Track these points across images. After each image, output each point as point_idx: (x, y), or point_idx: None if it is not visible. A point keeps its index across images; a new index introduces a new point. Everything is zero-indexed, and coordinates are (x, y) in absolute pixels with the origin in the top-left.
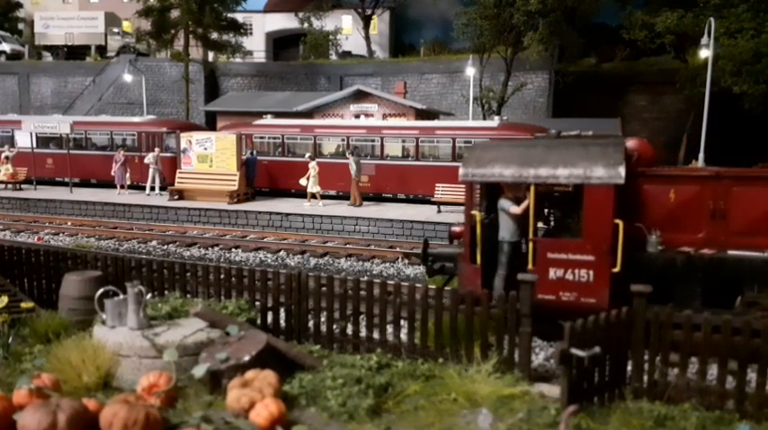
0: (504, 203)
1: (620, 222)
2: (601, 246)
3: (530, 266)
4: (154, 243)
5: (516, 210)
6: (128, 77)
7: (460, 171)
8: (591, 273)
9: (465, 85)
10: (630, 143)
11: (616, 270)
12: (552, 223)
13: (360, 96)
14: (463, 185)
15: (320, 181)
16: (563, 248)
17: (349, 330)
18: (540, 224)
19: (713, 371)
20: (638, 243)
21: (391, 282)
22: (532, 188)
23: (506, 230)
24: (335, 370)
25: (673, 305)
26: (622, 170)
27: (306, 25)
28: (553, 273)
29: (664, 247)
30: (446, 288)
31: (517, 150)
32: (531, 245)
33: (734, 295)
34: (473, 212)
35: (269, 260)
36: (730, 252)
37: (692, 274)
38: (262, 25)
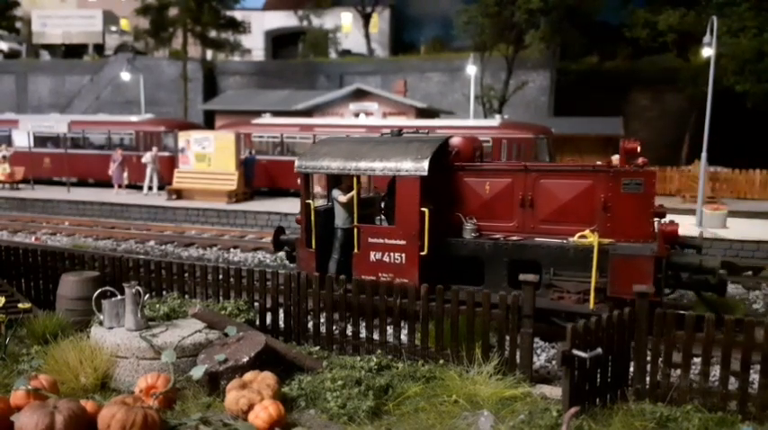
0: (335, 193)
1: (425, 210)
2: (410, 231)
3: (355, 250)
4: (152, 243)
5: (343, 198)
6: (126, 76)
7: (296, 163)
8: (403, 255)
9: (466, 83)
10: (453, 140)
11: (424, 253)
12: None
13: (359, 95)
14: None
15: None
16: (381, 234)
17: (349, 331)
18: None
19: (716, 372)
20: (455, 230)
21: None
22: (355, 179)
23: (339, 218)
24: (335, 371)
25: (483, 287)
26: (426, 164)
27: (305, 23)
28: (373, 256)
29: (478, 234)
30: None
31: (347, 146)
32: (355, 230)
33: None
34: (308, 201)
35: (268, 260)
36: (537, 239)
37: (499, 259)
38: (260, 23)
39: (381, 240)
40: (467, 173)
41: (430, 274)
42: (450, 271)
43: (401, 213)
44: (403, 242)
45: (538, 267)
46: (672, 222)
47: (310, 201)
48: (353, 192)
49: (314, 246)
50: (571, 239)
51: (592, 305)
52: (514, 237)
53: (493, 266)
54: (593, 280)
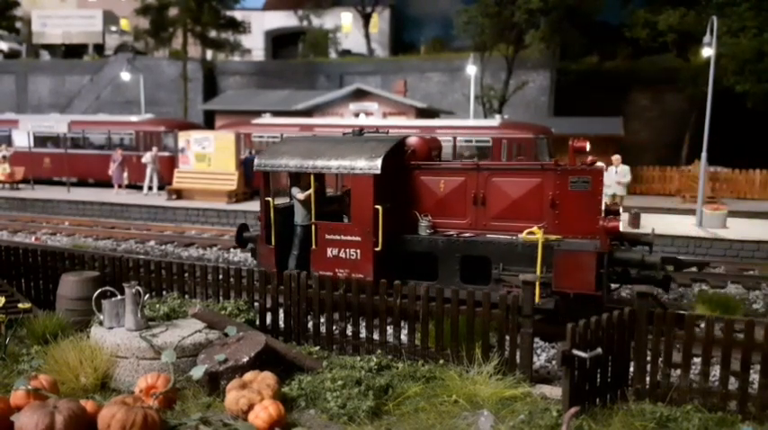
0: (294, 191)
1: (379, 207)
2: (364, 228)
3: (313, 247)
4: (152, 243)
5: (301, 196)
6: (126, 76)
7: (255, 161)
8: (358, 251)
9: (466, 83)
10: (409, 140)
11: (378, 249)
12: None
13: (359, 95)
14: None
15: None
16: (337, 230)
17: (349, 331)
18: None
19: (716, 372)
20: (412, 226)
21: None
22: (312, 177)
23: (299, 215)
24: (335, 371)
25: (437, 281)
26: (379, 162)
27: (305, 23)
28: (330, 252)
29: (433, 231)
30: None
31: (306, 145)
32: (313, 227)
33: (487, 273)
34: (267, 199)
35: None
36: (488, 235)
37: (451, 254)
38: (260, 23)
39: (338, 237)
40: (422, 171)
41: (385, 270)
42: (407, 266)
43: (356, 210)
44: (358, 238)
45: (488, 263)
46: (614, 218)
47: (270, 199)
48: (311, 190)
49: (273, 242)
50: (520, 236)
51: (537, 299)
52: (467, 234)
53: (446, 262)
54: (537, 275)
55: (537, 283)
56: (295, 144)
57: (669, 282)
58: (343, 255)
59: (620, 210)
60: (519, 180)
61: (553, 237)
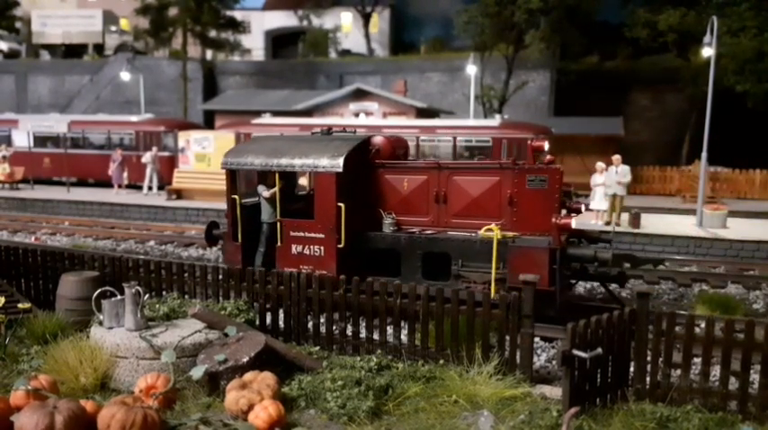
0: (260, 188)
1: (342, 205)
2: (327, 225)
3: (279, 244)
4: (151, 243)
5: (266, 194)
6: (125, 76)
7: (222, 160)
8: (322, 248)
9: (466, 83)
10: (375, 139)
11: (341, 246)
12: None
13: (359, 95)
14: None
15: None
16: (301, 228)
17: (349, 331)
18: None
19: (716, 372)
20: (376, 224)
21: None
22: (277, 175)
23: (265, 213)
24: (335, 371)
25: (400, 277)
26: (341, 161)
27: (305, 23)
28: (295, 249)
29: (397, 228)
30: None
31: (273, 143)
32: (278, 224)
33: (447, 269)
34: (233, 196)
35: None
36: (449, 232)
37: (414, 251)
38: (260, 23)
39: (302, 234)
40: (387, 170)
41: (349, 266)
42: (371, 262)
43: (319, 208)
44: (321, 235)
45: (448, 259)
46: (567, 216)
47: (236, 197)
48: (276, 188)
49: (240, 239)
50: (479, 233)
51: (493, 294)
52: (429, 231)
53: (408, 258)
54: (493, 270)
55: (492, 279)
56: (261, 143)
57: (625, 278)
58: (308, 252)
59: (582, 208)
60: (478, 178)
61: (510, 234)
